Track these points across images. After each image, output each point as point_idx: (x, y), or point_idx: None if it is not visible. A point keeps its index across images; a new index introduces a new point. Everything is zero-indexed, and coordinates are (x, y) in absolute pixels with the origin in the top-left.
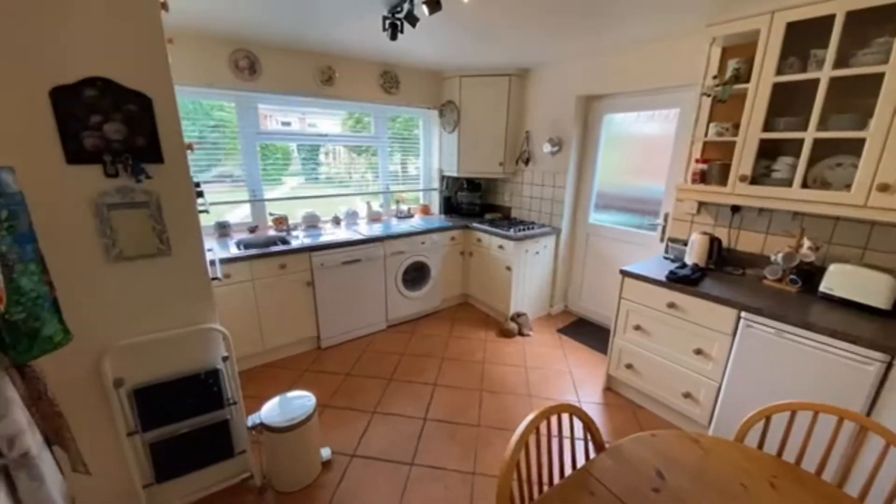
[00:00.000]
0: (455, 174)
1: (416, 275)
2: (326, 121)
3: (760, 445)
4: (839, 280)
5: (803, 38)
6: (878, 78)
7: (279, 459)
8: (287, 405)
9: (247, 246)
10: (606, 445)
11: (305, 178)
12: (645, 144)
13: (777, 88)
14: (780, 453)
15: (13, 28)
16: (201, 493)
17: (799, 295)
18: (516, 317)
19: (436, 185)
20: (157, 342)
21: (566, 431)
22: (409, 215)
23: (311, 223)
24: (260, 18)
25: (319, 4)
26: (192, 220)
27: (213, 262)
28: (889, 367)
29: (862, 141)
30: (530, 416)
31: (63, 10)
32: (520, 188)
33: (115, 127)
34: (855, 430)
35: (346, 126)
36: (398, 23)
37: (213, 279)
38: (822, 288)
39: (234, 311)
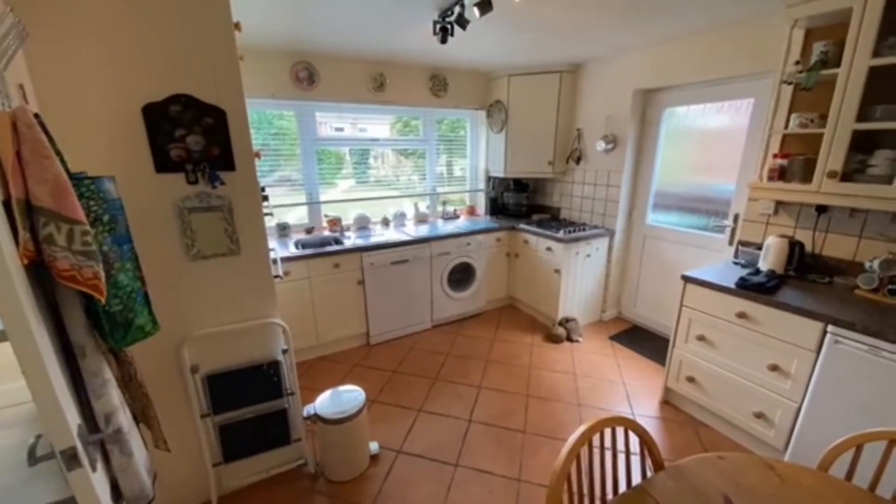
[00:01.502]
0: (502, 174)
1: (461, 276)
2: (376, 125)
3: (849, 477)
4: None
5: None
6: None
7: (331, 449)
8: (338, 398)
9: (304, 246)
10: (666, 464)
11: (356, 180)
12: (712, 139)
13: (874, 73)
14: (873, 488)
15: (114, 52)
16: (261, 476)
17: None
18: (565, 322)
19: (482, 185)
20: (226, 333)
21: (620, 445)
22: (455, 216)
23: (362, 224)
24: (319, 33)
25: (375, 15)
26: (258, 221)
27: (275, 261)
28: None
29: None
30: (582, 427)
31: (152, 32)
32: (570, 188)
33: (196, 139)
34: None
35: (395, 130)
36: (449, 26)
37: (275, 277)
38: None
39: (291, 307)
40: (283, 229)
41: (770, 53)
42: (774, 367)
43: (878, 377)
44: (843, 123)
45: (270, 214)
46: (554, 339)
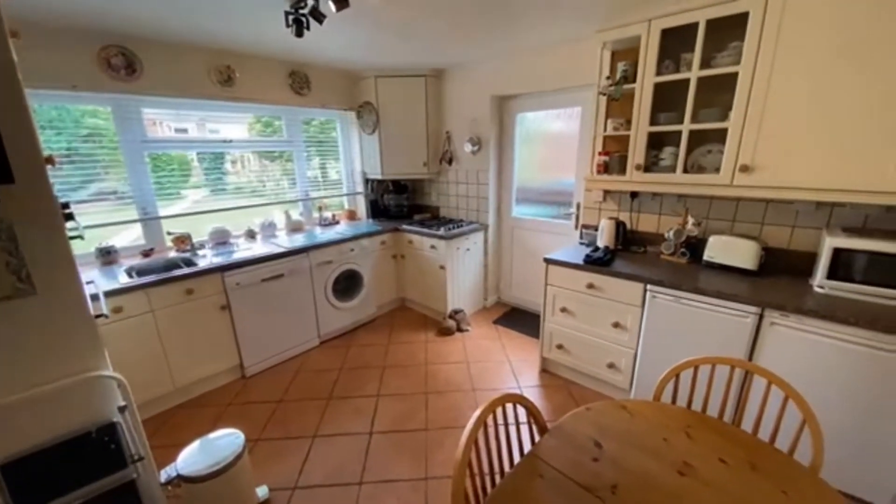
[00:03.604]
0: (379, 176)
1: (347, 284)
2: (230, 126)
3: (674, 401)
4: (718, 249)
5: (675, 42)
6: (734, 76)
7: None
8: (210, 448)
9: (140, 273)
10: (549, 426)
11: (210, 189)
12: (555, 140)
13: (658, 87)
14: (689, 405)
15: None
16: None
17: (689, 265)
18: (454, 314)
19: (360, 188)
20: (27, 402)
21: (511, 419)
22: (335, 222)
23: (221, 239)
24: (130, 6)
25: None
26: (60, 249)
27: (95, 297)
28: (761, 317)
29: (725, 130)
30: (476, 413)
31: None
32: (446, 187)
33: None
34: (743, 374)
35: (255, 130)
36: (303, 19)
37: (98, 316)
38: (706, 257)
39: (131, 351)
40: (107, 255)
41: (590, 70)
42: (616, 324)
43: (682, 319)
44: (641, 127)
45: (80, 237)
46: (445, 332)
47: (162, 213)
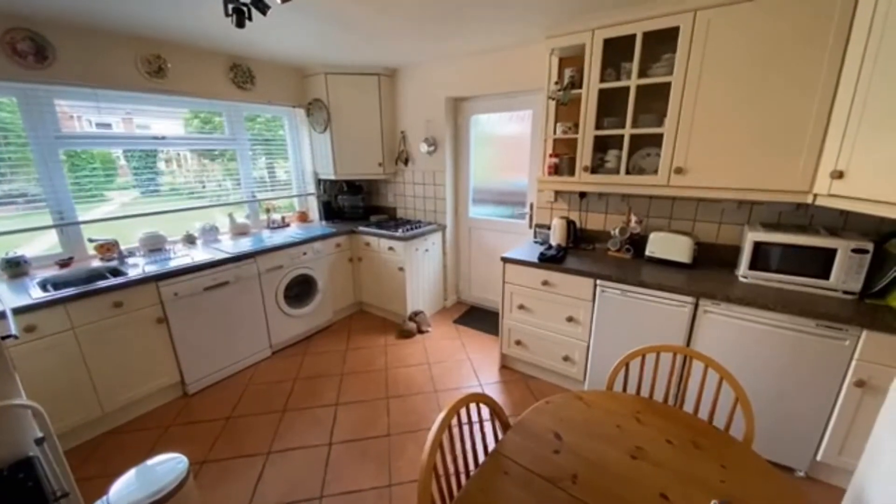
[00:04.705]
0: (332, 177)
1: (300, 289)
2: (163, 121)
3: (625, 388)
4: (657, 245)
5: (617, 52)
6: (667, 85)
7: None
8: (148, 476)
9: (56, 285)
10: (511, 422)
11: (141, 191)
12: (508, 142)
13: (602, 94)
14: (638, 391)
15: None
16: None
17: (633, 260)
18: (414, 316)
19: (311, 189)
20: None
21: (475, 417)
22: (285, 225)
23: (155, 245)
24: None
25: None
26: None
27: (2, 315)
28: (696, 306)
29: (661, 135)
30: (441, 415)
31: None
32: (402, 188)
33: None
34: (683, 360)
35: (192, 126)
36: (245, 8)
37: (6, 337)
38: (647, 252)
39: (49, 374)
40: (16, 266)
41: (540, 75)
42: (570, 319)
43: (629, 311)
44: (588, 130)
45: None
46: (406, 334)
47: (82, 217)
